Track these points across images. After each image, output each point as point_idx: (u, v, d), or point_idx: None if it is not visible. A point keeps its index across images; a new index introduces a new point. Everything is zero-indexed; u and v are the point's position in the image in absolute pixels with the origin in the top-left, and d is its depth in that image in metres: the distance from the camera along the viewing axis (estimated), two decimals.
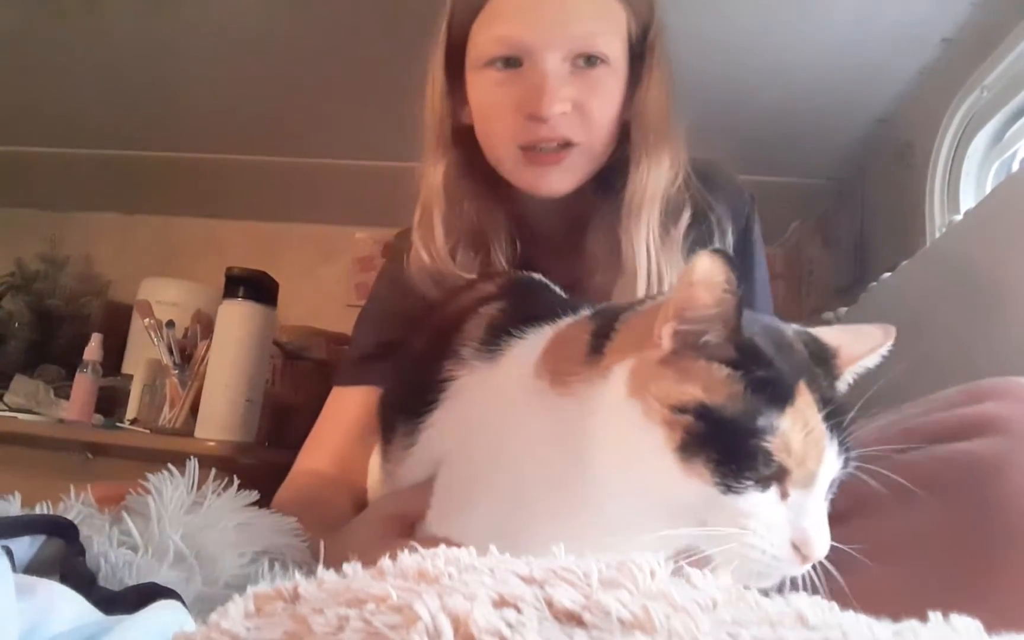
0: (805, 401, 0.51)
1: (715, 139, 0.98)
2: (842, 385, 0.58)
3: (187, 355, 1.85)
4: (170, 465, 0.69)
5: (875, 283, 1.36)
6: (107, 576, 0.57)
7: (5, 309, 2.33)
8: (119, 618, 0.43)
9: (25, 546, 0.56)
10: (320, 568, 0.35)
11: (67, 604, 0.43)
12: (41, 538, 0.57)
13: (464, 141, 0.95)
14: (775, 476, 0.50)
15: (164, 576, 0.58)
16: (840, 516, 0.53)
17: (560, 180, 0.90)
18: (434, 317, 0.85)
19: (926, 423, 0.60)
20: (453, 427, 0.69)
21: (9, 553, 0.51)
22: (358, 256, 2.47)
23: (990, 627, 0.31)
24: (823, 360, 0.56)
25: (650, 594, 0.31)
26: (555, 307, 0.69)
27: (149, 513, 0.64)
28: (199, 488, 0.69)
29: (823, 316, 1.50)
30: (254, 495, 0.73)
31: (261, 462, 1.61)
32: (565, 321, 0.66)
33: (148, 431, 1.77)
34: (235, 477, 0.73)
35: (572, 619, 0.29)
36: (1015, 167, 1.35)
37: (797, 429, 0.50)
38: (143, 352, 1.94)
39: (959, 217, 1.32)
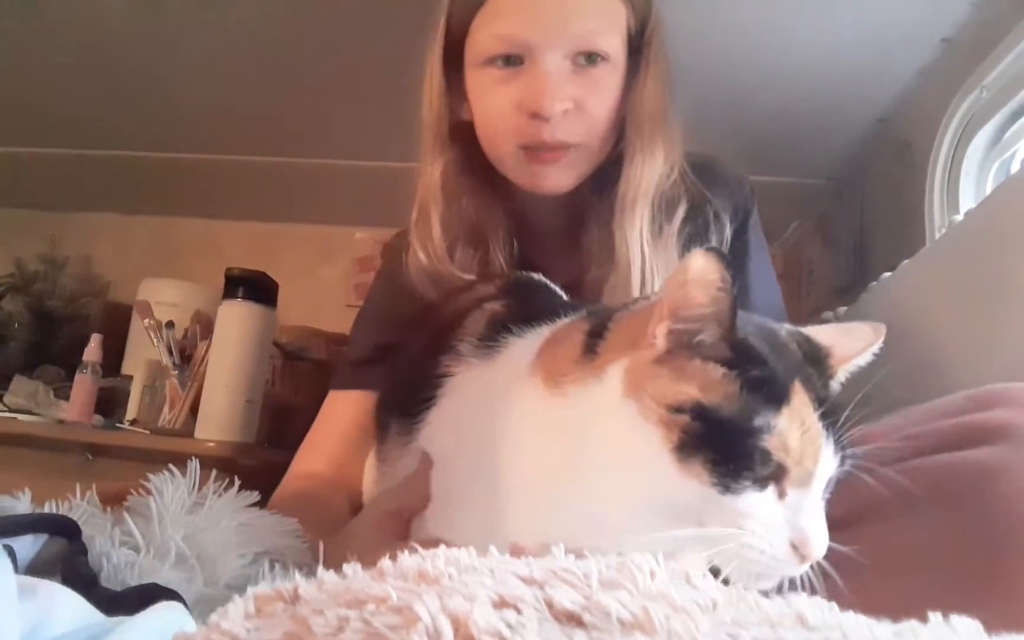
0: (801, 400, 0.51)
1: (715, 138, 0.98)
2: (835, 384, 0.58)
3: (187, 356, 1.85)
4: (171, 466, 0.69)
5: (875, 283, 1.36)
6: (109, 576, 0.57)
7: (5, 310, 2.33)
8: (120, 619, 0.43)
9: (28, 545, 0.56)
10: (320, 569, 0.35)
11: (68, 605, 0.43)
12: (44, 537, 0.57)
13: (462, 138, 0.95)
14: (772, 476, 0.50)
15: (166, 577, 0.58)
16: (845, 523, 0.53)
17: (561, 178, 0.90)
18: (432, 318, 0.85)
19: (933, 429, 0.59)
20: (448, 425, 0.69)
21: (12, 552, 0.51)
22: (358, 256, 2.47)
23: (995, 634, 0.31)
24: (817, 360, 0.56)
25: (650, 595, 0.31)
26: (555, 308, 0.69)
27: (150, 514, 0.64)
28: (199, 489, 0.69)
29: (823, 316, 1.49)
30: (254, 496, 0.72)
31: (261, 463, 1.60)
32: (563, 321, 0.66)
33: (148, 432, 1.77)
34: (235, 478, 0.72)
35: (572, 620, 0.29)
36: (1015, 167, 1.35)
37: (794, 428, 0.50)
38: (143, 353, 1.94)
39: (959, 217, 1.32)
